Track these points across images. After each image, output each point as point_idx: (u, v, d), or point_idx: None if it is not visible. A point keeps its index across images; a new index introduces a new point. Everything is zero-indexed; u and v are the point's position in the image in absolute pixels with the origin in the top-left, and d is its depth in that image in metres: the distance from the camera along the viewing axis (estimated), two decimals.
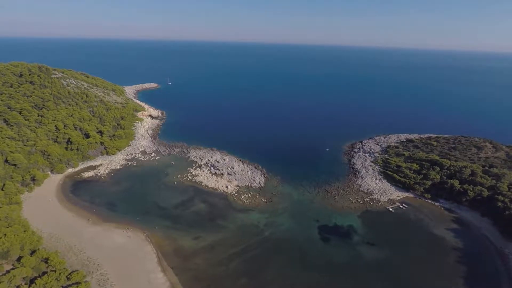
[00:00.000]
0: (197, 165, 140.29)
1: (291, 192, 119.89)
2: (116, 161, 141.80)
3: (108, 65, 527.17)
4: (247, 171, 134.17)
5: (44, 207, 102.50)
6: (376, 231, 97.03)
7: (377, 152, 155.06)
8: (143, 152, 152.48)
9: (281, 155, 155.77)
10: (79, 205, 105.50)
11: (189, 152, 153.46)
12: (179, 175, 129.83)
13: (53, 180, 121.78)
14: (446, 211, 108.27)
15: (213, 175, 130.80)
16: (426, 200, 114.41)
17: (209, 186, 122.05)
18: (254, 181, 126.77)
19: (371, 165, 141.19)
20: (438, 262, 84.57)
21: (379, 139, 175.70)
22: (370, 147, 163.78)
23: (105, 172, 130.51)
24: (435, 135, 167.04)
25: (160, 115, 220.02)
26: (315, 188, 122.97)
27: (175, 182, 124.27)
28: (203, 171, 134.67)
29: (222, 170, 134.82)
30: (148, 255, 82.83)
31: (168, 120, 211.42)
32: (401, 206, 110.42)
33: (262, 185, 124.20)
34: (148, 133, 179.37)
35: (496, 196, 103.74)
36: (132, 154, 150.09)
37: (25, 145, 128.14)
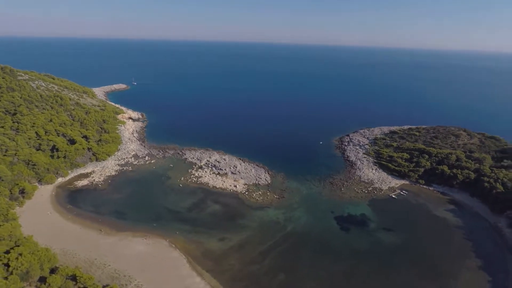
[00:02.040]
0: (197, 166, 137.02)
1: (298, 187, 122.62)
2: (109, 167, 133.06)
3: (64, 65, 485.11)
4: (251, 169, 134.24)
5: (44, 222, 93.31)
6: (387, 217, 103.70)
7: (366, 144, 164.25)
8: (136, 156, 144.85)
9: (276, 152, 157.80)
10: (82, 217, 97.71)
11: (185, 154, 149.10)
12: (182, 178, 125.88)
13: (44, 192, 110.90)
14: (440, 194, 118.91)
15: (218, 175, 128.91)
16: (421, 185, 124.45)
17: (217, 187, 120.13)
18: (260, 178, 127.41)
19: (364, 157, 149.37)
20: (447, 239, 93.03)
21: (364, 132, 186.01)
22: (358, 140, 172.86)
23: (100, 179, 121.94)
24: (415, 126, 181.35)
25: (141, 117, 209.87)
26: (320, 181, 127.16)
27: (180, 185, 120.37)
28: (205, 172, 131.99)
29: (225, 169, 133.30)
30: (177, 261, 79.87)
31: (151, 122, 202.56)
32: (401, 193, 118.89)
33: (269, 182, 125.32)
34: (134, 136, 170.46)
35: (482, 177, 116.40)
36: (124, 158, 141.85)
37: (5, 155, 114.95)
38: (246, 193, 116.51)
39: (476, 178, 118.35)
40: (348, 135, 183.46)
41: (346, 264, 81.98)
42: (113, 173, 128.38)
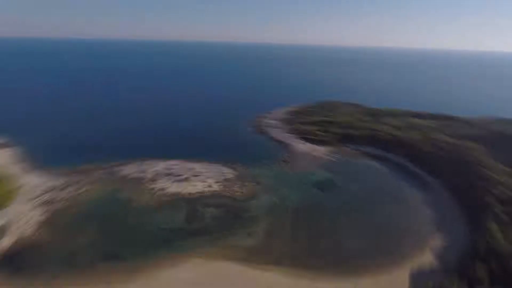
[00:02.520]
0: (148, 179, 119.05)
1: (262, 171, 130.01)
2: (27, 213, 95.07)
3: None
4: (209, 167, 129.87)
5: None
6: (342, 174, 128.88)
7: (282, 125, 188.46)
8: (55, 189, 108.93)
9: (214, 145, 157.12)
10: (59, 280, 70.40)
11: (121, 170, 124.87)
12: (146, 195, 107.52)
13: None
14: (356, 151, 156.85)
15: (182, 182, 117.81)
16: (342, 147, 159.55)
17: (193, 192, 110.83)
18: (225, 173, 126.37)
19: (289, 135, 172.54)
20: (386, 178, 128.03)
21: (270, 115, 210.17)
22: (270, 122, 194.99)
23: (32, 231, 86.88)
24: (308, 104, 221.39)
25: (8, 141, 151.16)
26: (275, 162, 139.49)
27: (151, 203, 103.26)
28: (165, 182, 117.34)
29: (184, 175, 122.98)
30: (232, 270, 74.31)
31: (29, 145, 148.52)
32: (336, 156, 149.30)
33: (236, 173, 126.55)
34: (23, 168, 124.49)
35: (376, 132, 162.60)
36: (39, 197, 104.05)
37: None
38: (226, 189, 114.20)
39: (373, 134, 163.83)
40: (259, 120, 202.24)
41: (351, 212, 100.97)
42: (43, 218, 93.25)
